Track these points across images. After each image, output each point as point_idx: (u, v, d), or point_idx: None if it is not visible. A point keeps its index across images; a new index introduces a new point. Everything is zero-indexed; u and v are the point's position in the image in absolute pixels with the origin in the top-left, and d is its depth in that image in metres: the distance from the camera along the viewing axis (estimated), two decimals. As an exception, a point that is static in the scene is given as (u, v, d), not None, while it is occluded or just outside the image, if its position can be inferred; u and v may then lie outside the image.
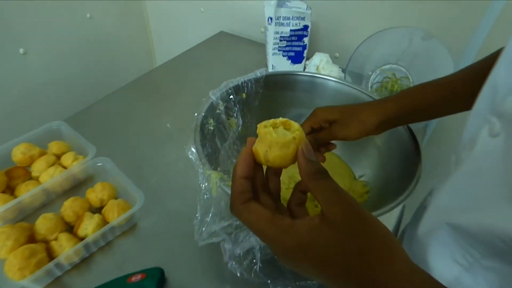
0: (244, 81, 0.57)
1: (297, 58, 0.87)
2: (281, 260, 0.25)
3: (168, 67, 0.92)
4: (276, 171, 0.30)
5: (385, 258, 0.22)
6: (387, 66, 0.83)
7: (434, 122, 0.88)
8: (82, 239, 0.48)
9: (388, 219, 0.55)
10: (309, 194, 0.29)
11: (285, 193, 0.55)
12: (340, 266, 0.23)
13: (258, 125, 0.29)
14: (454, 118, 0.46)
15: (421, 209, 0.46)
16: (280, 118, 0.29)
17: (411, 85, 0.80)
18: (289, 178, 0.58)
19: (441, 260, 0.37)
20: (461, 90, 0.43)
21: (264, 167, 0.30)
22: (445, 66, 0.76)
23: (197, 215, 0.45)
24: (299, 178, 0.62)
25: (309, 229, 0.24)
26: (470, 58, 0.82)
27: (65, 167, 0.58)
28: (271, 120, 0.29)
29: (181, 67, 0.91)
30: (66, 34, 1.03)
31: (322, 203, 0.24)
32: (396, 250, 0.23)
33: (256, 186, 0.28)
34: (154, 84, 0.86)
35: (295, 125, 0.29)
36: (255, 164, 0.28)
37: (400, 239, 0.54)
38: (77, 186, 0.58)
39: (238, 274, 0.43)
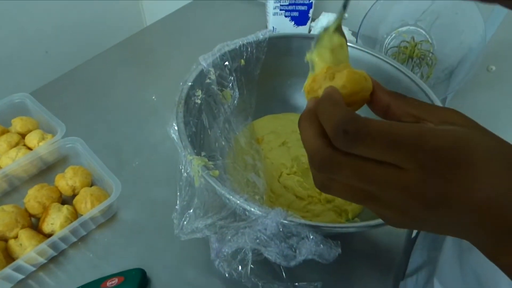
0: (243, 45, 0.47)
1: (301, 19, 0.76)
2: (415, 162, 0.18)
3: (156, 29, 0.80)
4: None
5: None
6: (404, 28, 0.72)
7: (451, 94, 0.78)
8: (49, 235, 0.41)
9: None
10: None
11: (287, 179, 0.48)
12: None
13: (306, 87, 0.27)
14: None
15: None
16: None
17: (432, 50, 0.70)
18: (292, 160, 0.50)
19: None
20: None
21: None
22: (473, 27, 0.65)
23: (176, 206, 0.37)
24: (303, 160, 0.52)
25: (468, 131, 0.19)
26: (500, 16, 0.71)
27: (30, 148, 0.49)
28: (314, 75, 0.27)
29: (171, 29, 0.80)
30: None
31: (428, 113, 0.21)
32: None
33: None
34: (138, 49, 0.75)
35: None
36: None
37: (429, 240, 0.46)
38: (45, 171, 0.50)
39: (227, 275, 0.37)
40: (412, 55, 0.70)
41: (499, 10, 0.70)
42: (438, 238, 0.42)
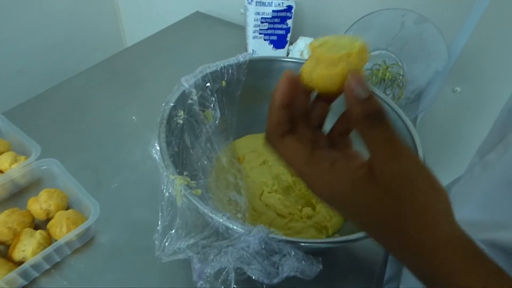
0: (224, 67, 0.48)
1: (279, 42, 0.79)
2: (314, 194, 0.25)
3: (137, 50, 0.81)
4: (325, 97, 0.26)
5: (428, 228, 0.21)
6: (376, 52, 0.77)
7: (420, 115, 0.82)
8: (19, 263, 0.39)
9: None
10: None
11: (268, 197, 0.48)
12: (377, 223, 0.23)
13: (312, 41, 0.25)
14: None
15: None
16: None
17: (402, 72, 0.74)
18: (273, 178, 0.50)
19: None
20: None
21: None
22: (438, 52, 0.70)
23: (158, 227, 0.36)
24: (284, 178, 0.53)
25: (350, 181, 0.22)
26: (461, 43, 0.77)
27: (1, 171, 0.47)
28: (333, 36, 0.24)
29: (152, 50, 0.80)
30: (17, 7, 0.87)
31: (372, 155, 0.22)
32: (443, 223, 0.21)
33: (295, 114, 0.26)
34: (119, 70, 0.75)
35: (359, 41, 0.23)
36: (297, 88, 0.25)
37: None
38: (17, 195, 0.48)
39: None
40: (384, 77, 0.74)
41: (462, 36, 0.76)
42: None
